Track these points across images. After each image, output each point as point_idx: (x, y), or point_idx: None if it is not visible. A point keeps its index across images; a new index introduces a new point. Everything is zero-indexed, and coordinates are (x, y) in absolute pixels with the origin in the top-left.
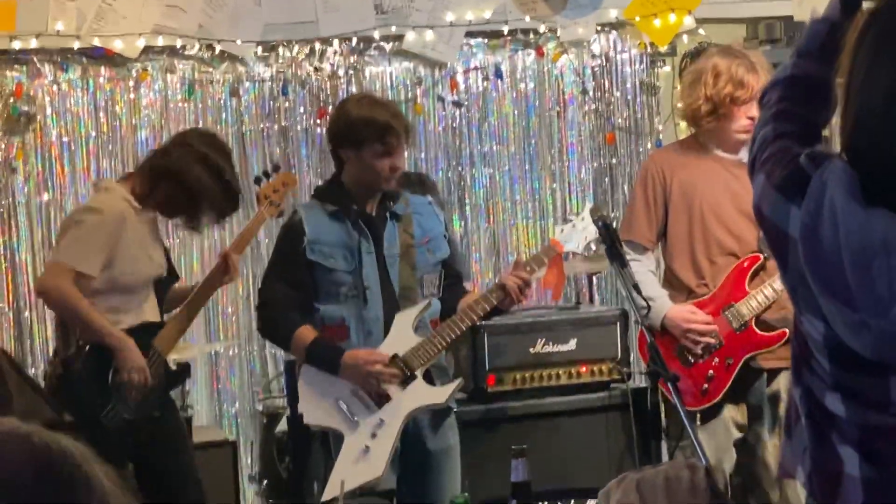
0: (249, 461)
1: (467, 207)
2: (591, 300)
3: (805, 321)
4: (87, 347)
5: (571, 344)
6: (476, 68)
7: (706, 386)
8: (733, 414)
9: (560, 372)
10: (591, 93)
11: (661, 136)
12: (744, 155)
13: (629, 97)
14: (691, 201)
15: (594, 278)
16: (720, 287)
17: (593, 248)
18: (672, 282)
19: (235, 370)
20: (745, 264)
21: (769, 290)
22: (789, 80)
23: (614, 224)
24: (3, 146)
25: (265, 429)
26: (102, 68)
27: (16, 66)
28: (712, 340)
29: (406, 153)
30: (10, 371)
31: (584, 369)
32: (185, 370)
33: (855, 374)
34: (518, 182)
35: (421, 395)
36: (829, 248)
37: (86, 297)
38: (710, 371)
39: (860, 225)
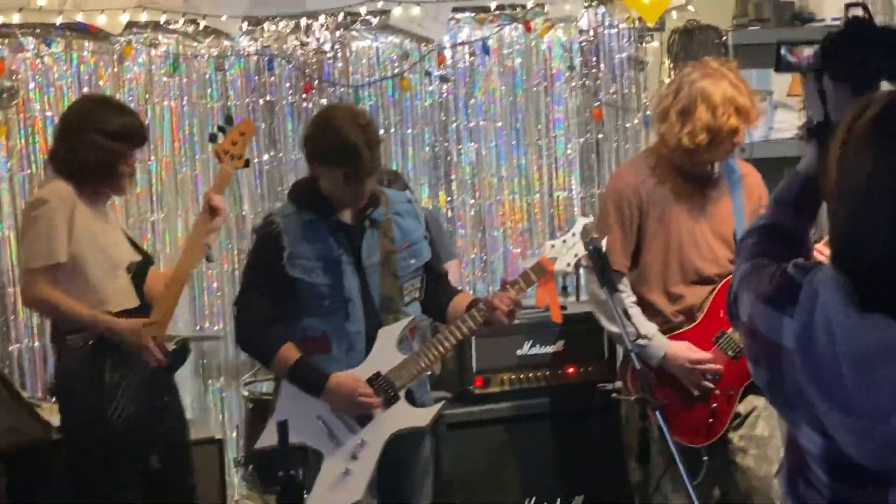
0: (235, 443)
1: (453, 183)
2: (578, 293)
3: (801, 435)
4: (77, 350)
5: (558, 345)
6: (463, 43)
7: (711, 421)
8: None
9: (547, 373)
10: (578, 68)
11: (647, 112)
12: (713, 168)
13: (617, 72)
14: (668, 227)
15: (580, 270)
16: (706, 315)
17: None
18: (644, 309)
19: (220, 346)
20: (727, 287)
21: None
22: (765, 228)
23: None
24: None
25: (251, 413)
26: (86, 42)
27: None
28: (712, 381)
29: (374, 179)
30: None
31: (571, 370)
32: (184, 348)
33: (853, 487)
34: (504, 157)
35: (404, 416)
36: (825, 356)
37: (60, 287)
38: (714, 405)
39: (858, 332)
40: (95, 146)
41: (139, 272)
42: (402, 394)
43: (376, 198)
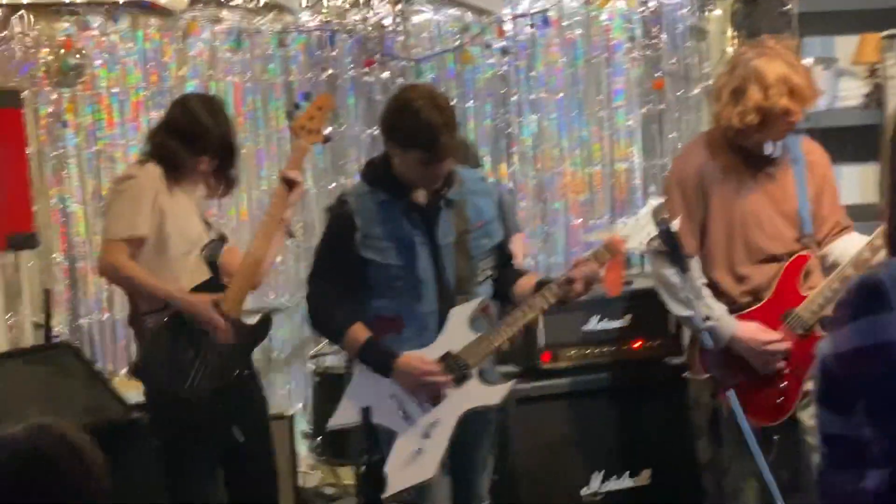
0: (302, 413)
1: (514, 155)
2: (643, 266)
3: None
4: (155, 330)
5: (625, 320)
6: (523, 15)
7: (781, 400)
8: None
9: (614, 348)
10: (639, 38)
11: (710, 82)
12: (769, 147)
13: (678, 42)
14: (731, 208)
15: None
16: (773, 294)
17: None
18: (711, 291)
19: (283, 319)
20: (795, 266)
21: (828, 291)
22: None
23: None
24: (53, 98)
25: (318, 388)
26: (151, 19)
27: (66, 19)
28: (782, 363)
29: (452, 161)
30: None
31: (637, 345)
32: (265, 323)
33: None
34: (565, 129)
35: (476, 395)
36: None
37: (138, 261)
38: (784, 384)
39: None
40: (167, 144)
41: (213, 251)
42: (474, 372)
43: (451, 177)
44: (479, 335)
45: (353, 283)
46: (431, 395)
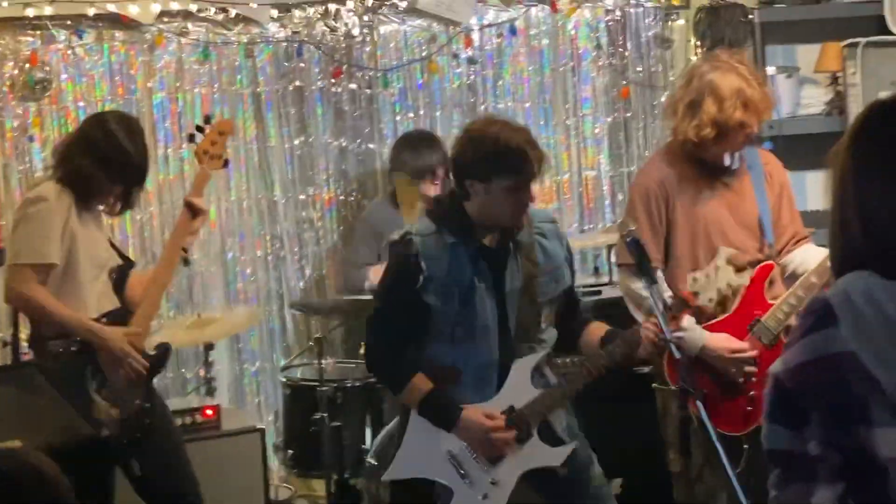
0: (272, 426)
1: None
2: (611, 274)
3: (881, 441)
4: (58, 356)
5: None
6: (490, 25)
7: (750, 409)
8: None
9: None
10: (605, 47)
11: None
12: (728, 159)
13: (643, 51)
14: (695, 220)
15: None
16: (740, 304)
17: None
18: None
19: (255, 329)
20: (761, 275)
21: (793, 298)
22: None
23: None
24: (19, 112)
25: (289, 400)
26: (117, 32)
27: (30, 33)
28: (753, 368)
29: (536, 186)
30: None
31: None
32: (164, 352)
33: None
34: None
35: (537, 455)
36: (880, 326)
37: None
38: (752, 392)
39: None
40: (85, 169)
41: (120, 276)
42: (534, 430)
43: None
44: (541, 391)
45: (414, 329)
46: (493, 453)
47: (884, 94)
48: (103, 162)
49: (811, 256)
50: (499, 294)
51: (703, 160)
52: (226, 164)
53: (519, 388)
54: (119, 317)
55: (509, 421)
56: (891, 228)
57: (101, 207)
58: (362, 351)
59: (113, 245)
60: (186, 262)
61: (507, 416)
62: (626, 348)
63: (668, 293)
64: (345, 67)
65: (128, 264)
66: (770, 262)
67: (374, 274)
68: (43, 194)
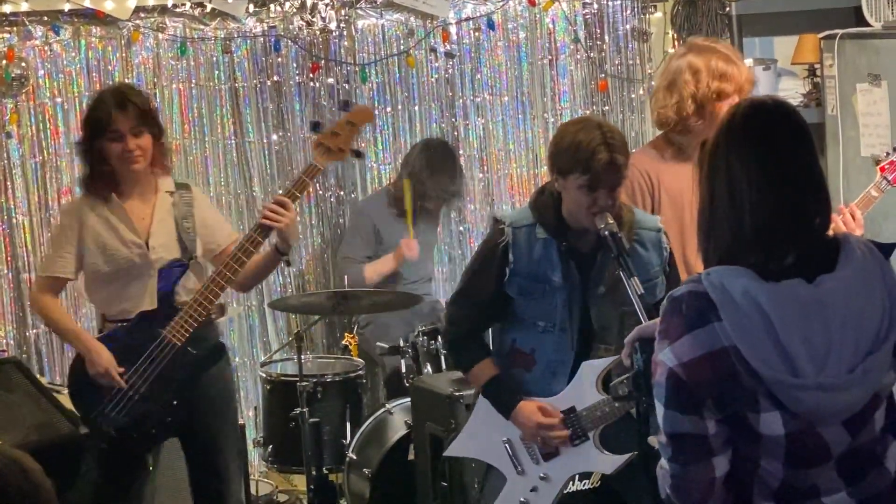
0: (252, 421)
1: (461, 157)
2: None
3: (764, 423)
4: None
5: None
6: (468, 19)
7: None
8: None
9: None
10: (582, 41)
11: (653, 83)
12: None
13: (621, 44)
14: (681, 209)
15: None
16: None
17: None
18: None
19: (234, 324)
20: None
21: None
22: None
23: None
24: None
25: (269, 395)
26: (94, 28)
27: (6, 29)
28: None
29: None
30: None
31: None
32: (218, 351)
33: (808, 467)
34: (511, 131)
35: (590, 460)
36: (759, 325)
37: (87, 290)
38: None
39: (781, 294)
40: (83, 157)
41: (172, 273)
42: (591, 434)
43: (620, 218)
44: (604, 396)
45: (494, 312)
46: (546, 448)
47: (861, 86)
48: (84, 125)
49: None
50: (583, 296)
51: (686, 151)
52: (357, 154)
53: (584, 389)
54: (148, 318)
55: (567, 421)
56: (762, 220)
57: (134, 168)
58: (343, 343)
59: (180, 235)
60: (288, 262)
61: (565, 415)
62: None
63: None
64: (322, 62)
65: (179, 263)
66: None
67: (370, 272)
68: (63, 207)
